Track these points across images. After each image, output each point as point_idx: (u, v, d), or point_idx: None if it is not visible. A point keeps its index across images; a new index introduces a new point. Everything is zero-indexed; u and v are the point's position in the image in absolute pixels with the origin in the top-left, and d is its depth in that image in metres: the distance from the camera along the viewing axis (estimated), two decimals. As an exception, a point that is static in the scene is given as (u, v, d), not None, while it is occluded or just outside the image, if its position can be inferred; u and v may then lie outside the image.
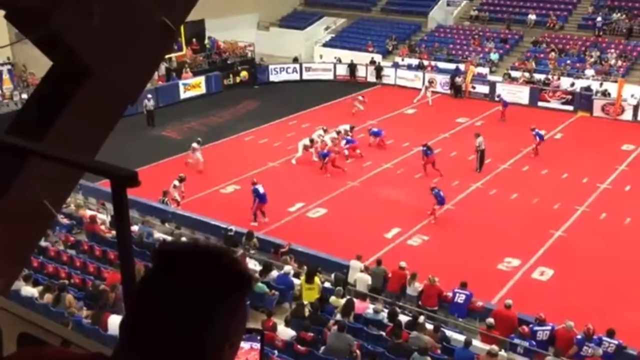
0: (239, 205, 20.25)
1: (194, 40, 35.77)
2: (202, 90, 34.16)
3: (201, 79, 34.38)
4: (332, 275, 15.04)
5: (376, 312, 13.31)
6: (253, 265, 15.29)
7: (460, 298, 14.04)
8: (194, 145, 23.78)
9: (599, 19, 36.62)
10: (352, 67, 37.44)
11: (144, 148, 25.41)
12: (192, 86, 33.86)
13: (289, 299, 14.14)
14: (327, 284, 14.56)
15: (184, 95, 33.13)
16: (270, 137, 27.35)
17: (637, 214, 20.08)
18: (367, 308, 13.53)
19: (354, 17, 44.05)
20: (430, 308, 14.07)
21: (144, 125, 28.38)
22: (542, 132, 25.60)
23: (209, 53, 37.72)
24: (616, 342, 12.43)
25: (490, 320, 12.94)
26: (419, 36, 41.15)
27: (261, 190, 19.21)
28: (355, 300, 13.58)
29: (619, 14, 36.78)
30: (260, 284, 13.81)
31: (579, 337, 12.49)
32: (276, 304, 13.93)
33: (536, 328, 12.81)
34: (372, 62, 37.95)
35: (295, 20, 44.87)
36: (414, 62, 37.43)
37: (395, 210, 20.56)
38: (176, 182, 20.09)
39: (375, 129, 26.78)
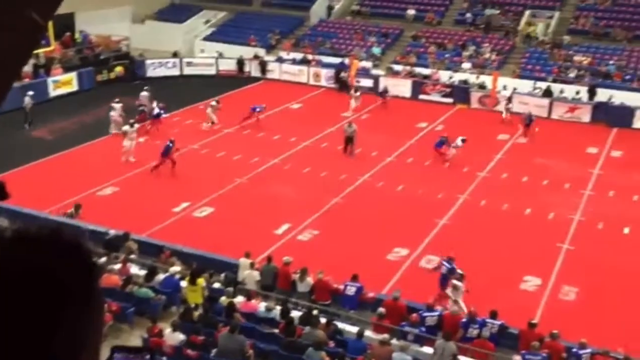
0: (118, 207, 19.47)
1: (65, 34, 33.95)
2: (74, 87, 32.49)
3: (72, 76, 32.67)
4: (222, 276, 14.82)
5: (268, 309, 13.27)
6: (137, 270, 14.75)
7: (351, 290, 14.31)
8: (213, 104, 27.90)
9: (473, 14, 38.81)
10: (241, 62, 37.13)
11: (13, 149, 23.79)
12: (63, 83, 32.11)
13: (176, 302, 13.78)
14: (217, 285, 14.33)
15: (54, 93, 31.34)
16: (151, 134, 26.49)
17: (514, 200, 21.49)
18: (258, 306, 13.46)
19: (234, 10, 43.68)
20: (322, 302, 14.24)
21: (21, 123, 26.68)
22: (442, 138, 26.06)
23: (80, 48, 35.95)
24: (499, 322, 13.19)
25: (381, 310, 13.31)
26: (302, 30, 41.54)
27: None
28: (245, 298, 13.47)
29: (492, 10, 39.07)
30: (144, 289, 13.34)
31: (464, 320, 13.13)
32: (163, 308, 13.52)
33: (425, 314, 13.33)
34: (256, 56, 37.84)
35: (173, 13, 43.80)
36: (299, 56, 37.76)
37: (284, 205, 20.63)
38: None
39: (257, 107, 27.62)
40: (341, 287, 14.45)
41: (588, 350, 12.22)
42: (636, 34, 35.37)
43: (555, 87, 32.23)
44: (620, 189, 22.70)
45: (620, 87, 31.86)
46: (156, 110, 27.26)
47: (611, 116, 29.97)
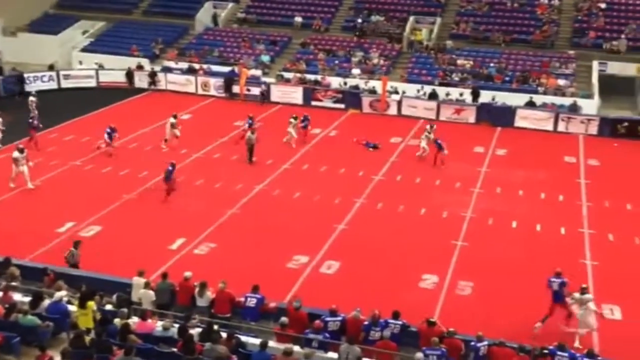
0: (-5, 232, 18.24)
1: None
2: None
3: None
4: (114, 297, 14.19)
5: (165, 328, 12.84)
6: (20, 297, 13.83)
7: (251, 302, 14.15)
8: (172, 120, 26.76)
9: (360, 20, 39.87)
10: (130, 73, 35.93)
11: None
12: None
13: (65, 328, 13.03)
14: (109, 307, 13.70)
15: None
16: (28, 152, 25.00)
17: (409, 201, 22.21)
18: (154, 326, 13.01)
19: (114, 20, 42.37)
20: (222, 315, 13.99)
21: None
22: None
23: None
24: (400, 322, 13.51)
25: (284, 319, 13.26)
26: (187, 39, 40.94)
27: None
28: (141, 319, 12.98)
29: (377, 17, 40.30)
30: (29, 317, 12.54)
31: (366, 323, 13.35)
32: (52, 336, 12.75)
33: (327, 319, 13.42)
34: (140, 66, 36.83)
35: (48, 25, 41.84)
36: (185, 65, 37.14)
37: (178, 220, 20.15)
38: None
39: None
40: (242, 299, 14.27)
41: (485, 343, 12.75)
42: (514, 37, 37.70)
43: (441, 90, 33.69)
44: (506, 185, 24.03)
45: (501, 88, 33.81)
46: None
47: (494, 116, 31.73)
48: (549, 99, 32.81)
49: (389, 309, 13.64)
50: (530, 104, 32.40)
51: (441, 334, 12.93)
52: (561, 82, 33.85)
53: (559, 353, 12.46)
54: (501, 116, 31.66)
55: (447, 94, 33.46)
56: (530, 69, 35.09)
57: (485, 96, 33.09)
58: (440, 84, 34.34)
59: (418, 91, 33.86)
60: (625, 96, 35.05)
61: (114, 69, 36.30)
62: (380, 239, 19.49)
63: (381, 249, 18.87)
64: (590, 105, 32.20)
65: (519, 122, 31.54)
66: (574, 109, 31.88)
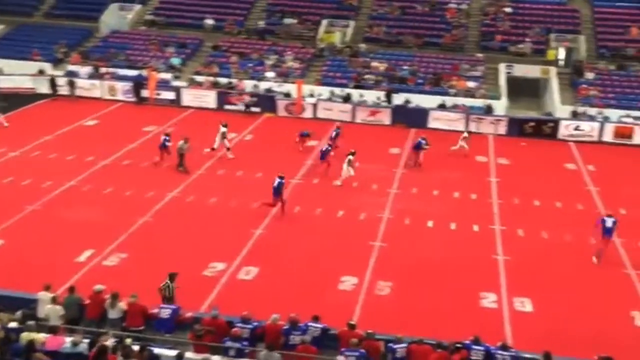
0: None
1: None
2: None
3: None
4: (19, 313, 13.52)
5: (75, 344, 12.36)
6: None
7: (165, 313, 13.84)
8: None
9: (268, 23, 39.95)
10: (52, 79, 34.29)
11: None
12: None
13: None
14: (13, 324, 13.03)
15: None
16: None
17: (327, 204, 22.38)
18: (63, 342, 12.49)
19: (13, 23, 40.59)
20: (135, 328, 13.60)
21: None
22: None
23: None
24: (321, 326, 13.58)
25: (199, 328, 13.03)
26: (92, 42, 39.68)
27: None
28: (49, 335, 12.43)
29: (291, 19, 40.48)
30: None
31: (285, 327, 13.33)
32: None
33: (245, 327, 13.30)
34: (41, 71, 35.36)
35: (-62, 27, 39.49)
36: (90, 69, 35.97)
37: (86, 230, 19.44)
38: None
39: None
40: (155, 310, 13.92)
41: (403, 345, 12.98)
42: (425, 40, 38.81)
43: (356, 93, 34.22)
44: (422, 185, 24.67)
45: (414, 90, 34.73)
46: None
47: (409, 118, 32.54)
48: (460, 100, 33.97)
49: (309, 313, 13.68)
50: (442, 106, 33.47)
51: (361, 336, 13.09)
52: (471, 84, 35.14)
53: (474, 347, 12.89)
54: (415, 118, 32.51)
55: (361, 96, 34.04)
56: (441, 72, 36.22)
57: (400, 98, 33.89)
58: (355, 87, 34.88)
59: (333, 94, 34.26)
60: (531, 97, 36.79)
61: (14, 74, 34.69)
62: (298, 243, 19.55)
63: (299, 252, 18.93)
64: (499, 106, 33.60)
65: (432, 123, 32.49)
66: (488, 110, 33.16)
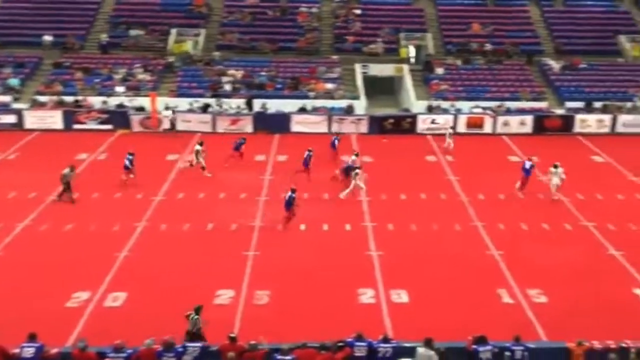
0: None
1: None
2: None
3: None
4: None
5: None
6: None
7: (29, 352, 12.90)
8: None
9: (113, 36, 38.66)
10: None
11: None
12: None
13: None
14: None
15: None
16: None
17: (195, 219, 21.97)
18: None
19: None
20: (-6, 372, 12.57)
21: None
22: None
23: None
24: (200, 344, 13.27)
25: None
26: None
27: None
28: None
29: (137, 31, 39.36)
30: None
31: (159, 350, 12.89)
32: None
33: (112, 356, 12.74)
34: None
35: None
36: None
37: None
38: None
39: None
40: (17, 350, 12.92)
41: (288, 358, 12.95)
42: (280, 45, 39.27)
43: (215, 102, 33.92)
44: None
45: (274, 95, 35.01)
46: None
47: (271, 124, 32.75)
48: (321, 102, 34.70)
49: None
50: (303, 110, 34.02)
51: (242, 348, 12.93)
52: (329, 86, 36.02)
53: (357, 343, 13.15)
54: (277, 123, 32.76)
55: (220, 105, 33.79)
56: (299, 75, 36.81)
57: (260, 105, 34.03)
58: (213, 96, 34.56)
59: (191, 104, 33.74)
60: (388, 95, 38.34)
61: None
62: (167, 262, 18.99)
63: (170, 271, 18.39)
64: (359, 106, 34.71)
65: (295, 127, 32.92)
66: (348, 110, 34.11)
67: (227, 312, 16.36)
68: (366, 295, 17.32)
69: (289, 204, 21.39)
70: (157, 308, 16.38)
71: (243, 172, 26.51)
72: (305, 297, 17.16)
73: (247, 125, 32.90)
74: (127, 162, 24.73)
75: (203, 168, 26.06)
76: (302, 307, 16.66)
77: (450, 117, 33.58)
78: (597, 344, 13.80)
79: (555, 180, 24.10)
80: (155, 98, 32.88)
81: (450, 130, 30.84)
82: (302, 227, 21.70)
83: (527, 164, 24.85)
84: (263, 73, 36.78)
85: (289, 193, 21.46)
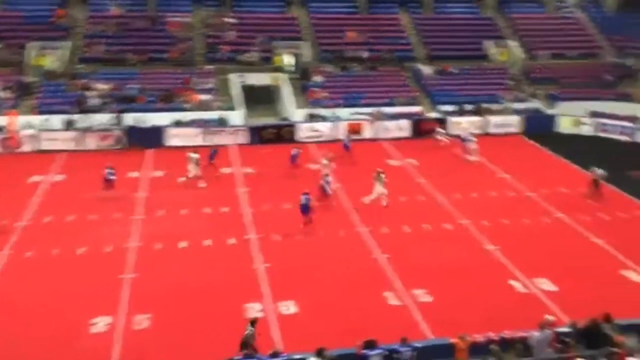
0: None
1: None
2: None
3: None
4: None
5: None
6: None
7: None
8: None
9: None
10: None
11: None
12: None
13: None
14: None
15: None
16: None
17: (64, 243, 20.81)
18: None
19: None
20: None
21: None
22: None
23: None
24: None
25: None
26: None
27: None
28: None
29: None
30: None
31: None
32: None
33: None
34: None
35: None
36: None
37: None
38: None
39: None
40: None
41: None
42: (150, 56, 38.28)
43: (82, 117, 32.47)
44: (169, 206, 24.18)
45: (146, 109, 34.03)
46: None
47: (144, 138, 31.77)
48: (196, 114, 34.13)
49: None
50: (179, 123, 33.32)
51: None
52: (204, 97, 35.51)
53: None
54: (151, 137, 31.84)
55: (88, 121, 32.39)
56: (172, 87, 36.03)
57: (132, 118, 32.96)
58: (81, 111, 33.07)
59: (46, 121, 31.97)
60: (267, 104, 38.28)
61: None
62: (35, 291, 17.81)
63: (37, 303, 17.23)
64: (237, 116, 34.45)
65: (170, 141, 32.12)
66: (222, 122, 33.74)
67: (105, 340, 15.55)
68: (253, 310, 17.06)
69: (307, 207, 22.16)
70: (22, 342, 15.27)
71: (115, 190, 25.44)
72: (190, 318, 16.65)
73: (117, 141, 31.72)
74: None
75: (199, 178, 26.42)
76: (186, 328, 16.15)
77: (330, 125, 34.06)
78: (479, 337, 14.41)
79: (380, 188, 24.66)
80: (15, 117, 31.00)
81: (440, 129, 33.24)
82: (182, 244, 21.12)
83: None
84: (133, 86, 35.66)
85: (304, 197, 22.25)
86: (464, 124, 35.16)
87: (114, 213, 23.49)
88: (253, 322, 14.60)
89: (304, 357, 13.36)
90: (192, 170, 26.48)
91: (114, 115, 32.84)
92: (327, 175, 25.29)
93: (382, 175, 24.87)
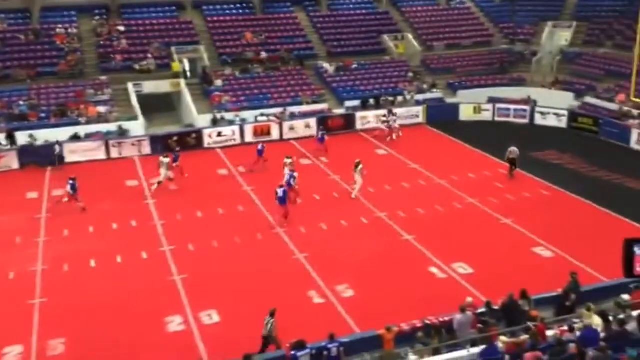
0: None
1: None
2: None
3: None
4: None
5: None
6: None
7: None
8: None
9: None
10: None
11: None
12: None
13: None
14: None
15: None
16: None
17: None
18: None
19: None
20: None
21: None
22: None
23: None
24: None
25: None
26: None
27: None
28: None
29: None
30: None
31: None
32: None
33: None
34: None
35: None
36: None
37: None
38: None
39: None
40: None
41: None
42: (38, 71, 36.70)
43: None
44: (73, 225, 23.29)
45: (39, 125, 32.61)
46: None
47: (40, 157, 30.44)
48: (95, 127, 33.05)
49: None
50: (76, 137, 32.17)
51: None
52: (101, 109, 34.41)
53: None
54: (47, 155, 30.53)
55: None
56: (65, 101, 34.73)
57: (24, 137, 31.51)
58: (-34, 134, 31.37)
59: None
60: (168, 112, 37.57)
61: None
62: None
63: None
64: (138, 127, 33.59)
65: (69, 157, 30.92)
66: (121, 133, 32.82)
67: (18, 371, 14.83)
68: (174, 323, 16.74)
69: (283, 200, 22.69)
70: None
71: (14, 213, 24.28)
72: (108, 337, 16.14)
73: (12, 162, 30.24)
74: None
75: (170, 179, 26.98)
76: (104, 349, 15.64)
77: (236, 128, 33.84)
78: (404, 326, 14.74)
79: (359, 178, 25.31)
80: None
81: (384, 117, 34.58)
82: (93, 263, 20.41)
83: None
84: (22, 102, 34.07)
85: (282, 189, 22.78)
86: (370, 118, 35.89)
87: (15, 237, 22.41)
88: (272, 313, 14.94)
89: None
90: (164, 173, 26.68)
91: (4, 135, 31.26)
92: (292, 171, 25.31)
93: (360, 167, 25.45)
